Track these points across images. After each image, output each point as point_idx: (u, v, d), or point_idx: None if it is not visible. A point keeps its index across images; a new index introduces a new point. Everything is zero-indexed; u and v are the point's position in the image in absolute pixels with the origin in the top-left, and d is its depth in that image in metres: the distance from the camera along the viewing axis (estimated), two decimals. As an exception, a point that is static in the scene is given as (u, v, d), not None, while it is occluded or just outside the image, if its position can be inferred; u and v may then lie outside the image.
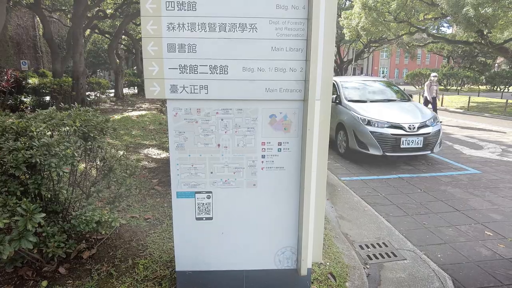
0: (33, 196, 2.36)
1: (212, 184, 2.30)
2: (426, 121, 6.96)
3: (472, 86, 35.92)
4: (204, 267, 2.42)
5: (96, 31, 23.33)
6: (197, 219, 2.34)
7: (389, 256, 3.51)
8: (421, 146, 6.76)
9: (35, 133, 2.41)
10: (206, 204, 2.32)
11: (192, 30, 2.05)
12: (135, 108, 14.68)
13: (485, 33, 17.49)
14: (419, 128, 6.79)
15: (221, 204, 2.33)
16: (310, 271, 2.46)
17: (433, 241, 3.88)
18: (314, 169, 2.23)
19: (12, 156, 2.17)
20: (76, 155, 2.38)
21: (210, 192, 2.31)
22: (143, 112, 12.76)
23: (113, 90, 19.60)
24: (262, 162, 2.28)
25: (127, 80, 23.01)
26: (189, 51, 2.08)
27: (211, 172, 2.28)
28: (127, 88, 23.41)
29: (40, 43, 25.33)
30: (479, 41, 18.35)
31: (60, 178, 2.42)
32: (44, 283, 2.61)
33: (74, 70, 13.52)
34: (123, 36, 25.01)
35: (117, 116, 11.44)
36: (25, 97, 12.50)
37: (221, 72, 2.11)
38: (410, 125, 6.75)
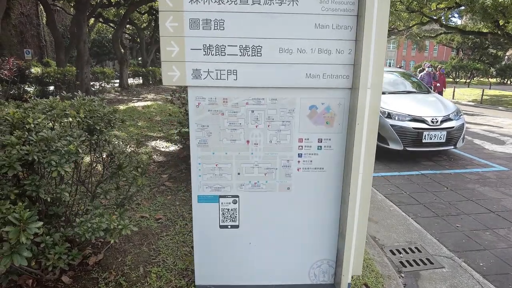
0: (30, 199, 2.03)
1: (239, 187, 1.96)
2: (449, 114, 6.56)
3: (481, 79, 35.17)
4: (228, 281, 2.10)
5: (101, 19, 22.90)
6: (221, 227, 2.01)
7: (424, 264, 3.18)
8: (444, 141, 6.37)
9: (32, 125, 2.07)
10: (231, 210, 1.98)
11: (220, 2, 1.69)
12: (141, 98, 14.33)
13: (501, 23, 16.89)
14: (442, 122, 6.39)
15: (249, 210, 2.00)
16: (350, 286, 2.13)
17: (471, 246, 3.53)
18: (361, 171, 1.88)
19: (5, 152, 1.83)
20: (80, 151, 2.05)
21: (237, 196, 1.97)
22: (149, 103, 12.41)
23: (117, 80, 19.23)
24: (299, 162, 1.93)
25: (131, 70, 22.61)
26: (216, 27, 1.72)
27: (238, 173, 1.94)
28: (132, 78, 23.01)
29: (44, 32, 24.97)
30: (495, 31, 17.73)
31: (61, 178, 2.09)
32: (46, 294, 2.31)
33: (78, 59, 13.15)
34: (127, 26, 24.57)
35: (122, 107, 11.10)
36: (28, 87, 12.18)
37: (253, 54, 1.75)
38: (433, 119, 6.35)
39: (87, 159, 2.73)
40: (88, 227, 1.93)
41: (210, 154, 1.90)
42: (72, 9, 22.92)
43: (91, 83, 14.38)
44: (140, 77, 23.07)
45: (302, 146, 1.91)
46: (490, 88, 24.07)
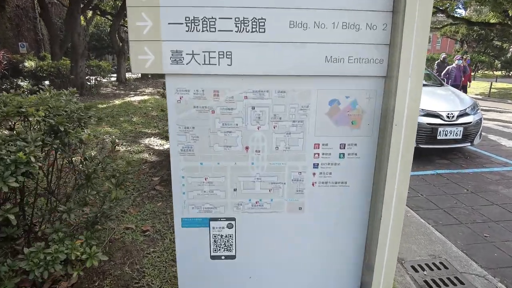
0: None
1: (236, 207, 1.50)
2: (466, 108, 6.07)
3: (486, 72, 34.47)
4: (222, 324, 1.65)
5: (98, 12, 22.32)
6: (213, 257, 1.55)
7: (454, 284, 2.72)
8: (460, 137, 5.89)
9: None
10: (226, 236, 1.53)
11: (207, -44, 1.22)
12: (138, 92, 13.85)
13: (510, 14, 16.29)
14: (458, 117, 5.90)
15: (248, 237, 1.54)
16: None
17: (505, 261, 3.08)
18: (396, 187, 1.42)
19: None
20: (33, 159, 1.59)
21: (233, 219, 1.51)
22: (146, 97, 11.94)
23: (115, 74, 18.73)
24: (314, 174, 1.47)
25: (128, 64, 22.10)
26: (202, -7, 1.25)
27: (235, 190, 1.47)
28: (130, 72, 22.49)
29: (40, 25, 24.41)
30: (505, 21, 17.11)
31: (7, 195, 1.64)
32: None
33: (73, 52, 12.66)
34: (126, 18, 23.99)
35: (117, 101, 10.64)
36: (22, 81, 11.71)
37: (254, 30, 1.28)
38: (448, 114, 5.86)
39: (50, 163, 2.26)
40: (40, 260, 1.48)
41: (197, 165, 1.44)
42: (68, 1, 22.36)
43: (87, 77, 13.88)
44: (139, 71, 22.54)
45: (318, 154, 1.44)
46: (496, 81, 23.49)
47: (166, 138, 6.18)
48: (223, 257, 1.55)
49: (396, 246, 1.55)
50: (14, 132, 1.77)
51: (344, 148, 1.44)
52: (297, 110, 1.39)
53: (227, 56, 1.30)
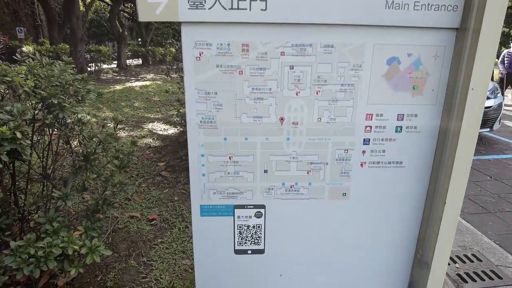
0: None
1: (267, 192, 1.23)
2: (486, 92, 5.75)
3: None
4: (246, 330, 1.40)
5: (97, -4, 21.76)
6: (237, 252, 1.29)
7: (491, 278, 2.47)
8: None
9: None
10: (254, 226, 1.26)
11: None
12: (139, 78, 13.48)
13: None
14: (478, 100, 5.59)
15: (280, 228, 1.27)
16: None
17: (544, 254, 2.83)
18: (462, 170, 1.15)
19: None
20: (20, 135, 1.31)
21: (263, 206, 1.24)
22: (148, 83, 11.59)
23: (116, 61, 18.30)
24: (364, 152, 1.19)
25: (131, 50, 21.60)
26: None
27: (265, 171, 1.20)
28: (131, 59, 22.03)
29: (39, 10, 23.87)
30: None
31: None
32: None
33: (71, 36, 12.28)
34: (126, 4, 23.39)
35: (118, 87, 10.32)
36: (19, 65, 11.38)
37: (296, -36, 0.99)
38: (468, 97, 5.55)
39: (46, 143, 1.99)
40: (30, 255, 1.22)
41: (220, 141, 1.16)
42: (66, -15, 21.80)
43: (88, 64, 13.52)
44: (140, 57, 22.12)
45: (371, 127, 1.16)
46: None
47: (169, 123, 5.91)
48: (249, 252, 1.29)
49: (451, 238, 1.28)
50: (-3, 104, 1.49)
51: (402, 119, 1.16)
52: (347, 70, 1.10)
53: (261, -2, 1.01)
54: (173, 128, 5.63)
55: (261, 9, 1.02)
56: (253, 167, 1.19)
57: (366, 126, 1.16)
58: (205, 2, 1.01)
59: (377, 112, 1.15)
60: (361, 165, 1.20)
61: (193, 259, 2.14)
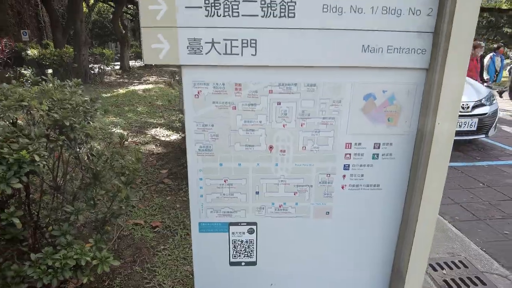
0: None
1: (258, 211, 1.37)
2: (481, 99, 5.86)
3: (496, 59, 33.76)
4: (240, 334, 1.55)
5: (100, -2, 21.95)
6: (232, 264, 1.44)
7: (475, 284, 2.60)
8: (475, 129, 5.71)
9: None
10: (247, 241, 1.41)
11: None
12: (142, 81, 13.66)
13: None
14: (473, 108, 5.71)
15: (270, 243, 1.42)
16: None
17: (528, 261, 2.96)
18: (434, 190, 1.29)
19: None
20: (38, 158, 1.47)
21: (254, 223, 1.39)
22: (150, 86, 11.77)
23: (118, 63, 18.50)
24: (344, 176, 1.34)
25: (133, 52, 21.84)
26: (224, -27, 1.10)
27: (257, 192, 1.35)
28: (134, 60, 22.25)
29: (42, 12, 24.11)
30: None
31: (8, 197, 1.53)
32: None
33: (75, 39, 12.47)
34: (129, 5, 23.59)
35: (122, 90, 10.50)
36: (25, 70, 11.57)
37: (282, 14, 1.13)
38: (463, 104, 5.67)
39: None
40: (49, 267, 1.37)
41: (216, 166, 1.31)
42: (70, -13, 22.03)
43: (90, 66, 13.70)
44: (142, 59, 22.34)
45: (350, 154, 1.31)
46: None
47: (172, 128, 6.06)
48: (243, 263, 1.43)
49: (427, 252, 1.43)
50: (16, 128, 1.64)
51: (378, 148, 1.30)
52: (328, 105, 1.24)
53: (251, 44, 1.16)
54: (175, 134, 5.79)
55: (252, 54, 1.17)
56: (245, 189, 1.34)
57: (345, 154, 1.31)
58: (202, 49, 1.16)
59: (355, 141, 1.29)
60: (342, 187, 1.35)
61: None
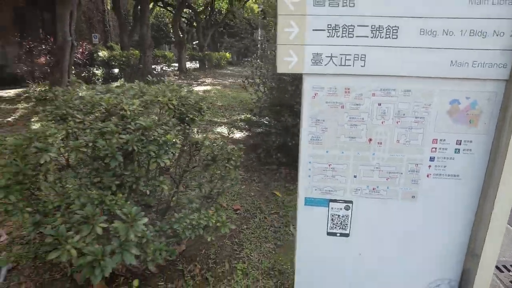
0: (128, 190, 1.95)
1: (354, 191, 1.71)
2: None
3: None
4: (329, 293, 1.89)
5: (160, 4, 23.41)
6: (329, 234, 1.78)
7: (542, 285, 2.71)
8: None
9: (128, 112, 1.98)
10: (342, 216, 1.74)
11: (353, -27, 1.41)
12: (199, 82, 14.50)
13: None
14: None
15: (363, 218, 1.74)
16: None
17: None
18: (506, 183, 1.54)
19: (106, 142, 1.75)
20: (178, 142, 1.92)
21: (350, 201, 1.72)
22: (208, 87, 12.50)
23: (176, 64, 19.66)
24: (430, 167, 1.63)
25: (188, 54, 23.03)
26: (345, 4, 1.45)
27: (355, 176, 1.68)
28: (189, 62, 23.47)
29: (108, 17, 26.24)
30: None
31: (158, 170, 2.00)
32: (136, 282, 2.27)
33: (141, 42, 13.57)
34: (184, 9, 24.89)
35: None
36: (96, 69, 12.84)
37: (387, 36, 1.46)
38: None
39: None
40: (187, 224, 1.81)
41: (323, 153, 1.66)
42: (133, -7, 23.76)
43: (152, 67, 14.80)
44: (197, 61, 23.44)
45: (435, 149, 1.59)
46: None
47: (236, 127, 6.56)
48: (338, 234, 1.77)
49: (500, 237, 1.66)
50: (157, 118, 2.13)
51: (460, 144, 1.58)
52: (420, 107, 1.55)
53: (361, 58, 1.50)
54: (238, 132, 6.26)
55: (361, 66, 1.50)
56: (345, 173, 1.68)
57: (432, 148, 1.59)
58: (322, 61, 1.52)
59: (441, 137, 1.58)
60: (427, 176, 1.64)
61: (275, 244, 2.67)
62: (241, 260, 2.56)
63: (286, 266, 2.51)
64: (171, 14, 25.37)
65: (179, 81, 15.05)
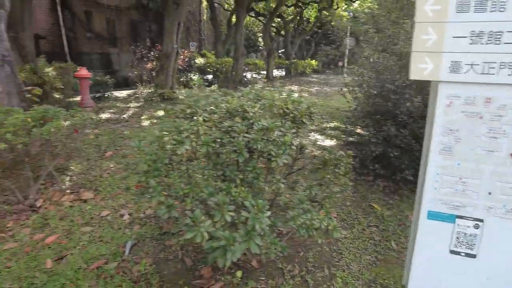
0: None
1: (487, 209, 1.58)
2: None
3: None
4: (446, 316, 1.76)
5: (252, 13, 24.48)
6: (452, 252, 1.67)
7: None
8: None
9: (250, 114, 2.14)
10: (470, 235, 1.62)
11: (508, -26, 1.33)
12: (286, 89, 14.75)
13: None
14: None
15: (493, 240, 1.60)
16: None
17: None
18: None
19: (234, 139, 1.92)
20: (294, 143, 2.01)
21: (481, 220, 1.60)
22: (295, 95, 12.63)
23: (264, 72, 20.34)
24: None
25: (276, 62, 23.64)
26: (494, 8, 1.37)
27: (489, 193, 1.55)
28: (275, 70, 24.08)
29: (203, 27, 28.38)
30: None
31: (276, 168, 2.11)
32: (239, 273, 2.42)
33: (235, 51, 14.35)
34: (275, 19, 25.61)
35: (271, 97, 11.59)
36: (193, 75, 14.00)
37: (544, 43, 1.33)
38: None
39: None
40: (301, 223, 1.88)
41: (454, 165, 1.58)
42: (226, 5, 25.29)
43: (243, 74, 15.55)
44: (283, 69, 23.92)
45: None
46: None
47: (325, 134, 6.52)
48: (462, 254, 1.65)
49: None
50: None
51: None
52: None
53: (509, 67, 1.39)
54: (328, 139, 6.22)
55: (508, 74, 1.40)
56: (478, 189, 1.56)
57: None
58: (461, 69, 1.45)
59: None
60: None
61: (375, 257, 2.59)
62: (340, 268, 2.54)
63: (389, 281, 2.42)
64: (260, 24, 26.35)
65: (267, 88, 15.50)
